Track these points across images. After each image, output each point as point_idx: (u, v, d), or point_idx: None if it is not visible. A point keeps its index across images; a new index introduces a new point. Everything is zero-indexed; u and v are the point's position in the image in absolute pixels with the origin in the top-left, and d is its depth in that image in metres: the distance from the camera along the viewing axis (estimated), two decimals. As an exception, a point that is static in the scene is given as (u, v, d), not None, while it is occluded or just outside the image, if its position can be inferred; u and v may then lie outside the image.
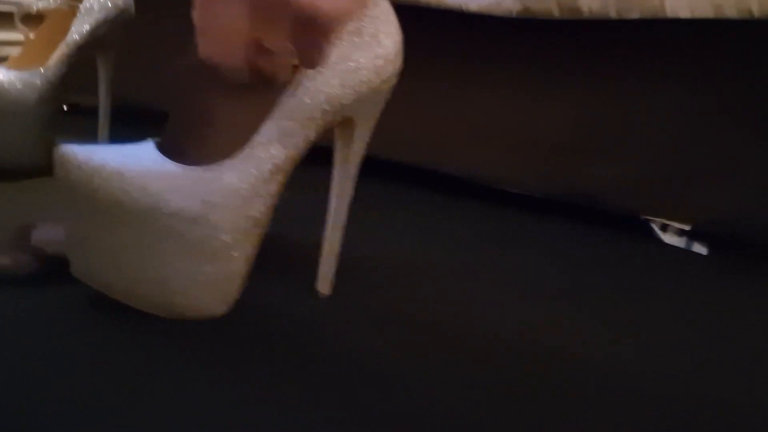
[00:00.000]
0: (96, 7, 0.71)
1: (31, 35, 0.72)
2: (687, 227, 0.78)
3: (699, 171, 0.77)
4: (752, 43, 0.71)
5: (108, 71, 0.77)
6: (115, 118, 0.80)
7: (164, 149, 0.40)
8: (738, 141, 0.75)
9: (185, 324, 0.40)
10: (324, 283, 0.48)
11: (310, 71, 0.39)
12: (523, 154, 0.83)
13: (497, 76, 0.83)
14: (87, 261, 0.40)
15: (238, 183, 0.39)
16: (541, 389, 0.40)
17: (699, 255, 0.77)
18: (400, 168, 0.87)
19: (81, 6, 0.71)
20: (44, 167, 0.69)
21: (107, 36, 0.73)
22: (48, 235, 0.46)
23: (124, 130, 0.80)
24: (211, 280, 0.39)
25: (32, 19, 0.72)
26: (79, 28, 0.70)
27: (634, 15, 0.67)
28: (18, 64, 0.69)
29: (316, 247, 0.47)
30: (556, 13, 0.70)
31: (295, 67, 0.34)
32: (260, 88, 0.38)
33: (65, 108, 0.99)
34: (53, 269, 0.43)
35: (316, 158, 0.44)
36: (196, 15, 0.31)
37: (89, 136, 0.78)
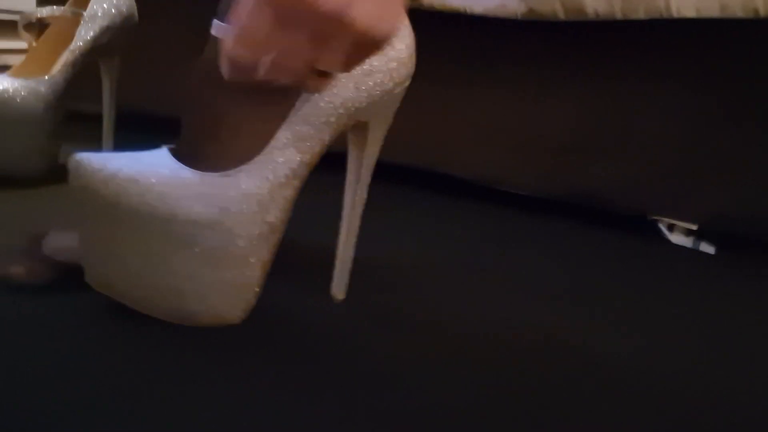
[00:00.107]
0: (100, 13, 0.71)
1: (35, 43, 0.71)
2: (694, 227, 0.78)
3: (704, 170, 0.77)
4: (755, 41, 0.72)
5: (112, 78, 0.77)
6: (119, 124, 0.80)
7: (179, 155, 0.39)
8: (742, 139, 0.75)
9: (198, 330, 0.40)
10: (339, 288, 0.48)
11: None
12: (528, 154, 0.83)
13: (500, 78, 0.83)
14: (102, 269, 0.40)
15: (254, 189, 0.38)
16: (550, 387, 0.40)
17: (707, 254, 0.78)
18: (403, 170, 0.87)
19: (85, 13, 0.70)
20: (50, 175, 0.68)
21: (111, 43, 0.73)
22: (59, 243, 0.45)
23: (129, 136, 0.80)
24: (228, 287, 0.39)
25: (35, 27, 0.72)
26: (84, 35, 0.70)
27: (640, 15, 0.67)
28: (22, 72, 0.69)
29: (327, 250, 0.47)
30: (561, 14, 0.70)
31: (321, 75, 0.34)
32: (276, 93, 0.37)
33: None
34: (66, 277, 0.43)
35: (324, 162, 0.43)
36: (246, 36, 0.30)
37: (94, 142, 0.78)
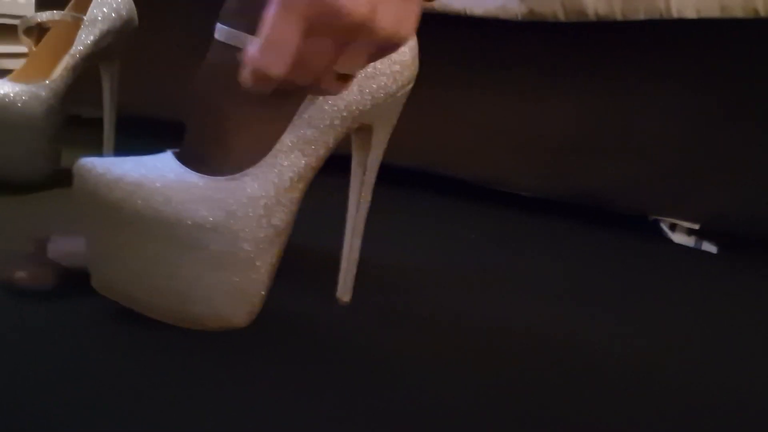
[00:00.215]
0: (100, 17, 0.71)
1: (35, 48, 0.71)
2: (696, 226, 0.78)
3: (705, 169, 0.77)
4: (755, 41, 0.72)
5: (112, 82, 0.77)
6: (119, 128, 0.80)
7: (184, 159, 0.39)
8: (742, 139, 0.75)
9: (203, 333, 0.40)
10: (344, 291, 0.47)
11: None
12: (529, 155, 0.83)
13: (500, 79, 0.83)
14: (108, 273, 0.40)
15: (260, 192, 0.38)
16: (550, 387, 0.40)
17: (708, 254, 0.78)
18: (404, 171, 0.87)
19: (85, 17, 0.70)
20: (51, 179, 0.68)
21: (112, 46, 0.73)
22: (63, 247, 0.45)
23: (129, 140, 0.80)
24: (234, 290, 0.39)
25: (35, 31, 0.72)
26: (84, 39, 0.70)
27: (640, 16, 0.67)
28: (23, 77, 0.69)
29: (332, 252, 0.47)
30: (561, 16, 0.70)
31: (340, 77, 0.34)
32: (281, 97, 0.37)
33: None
34: (70, 282, 0.43)
35: (329, 164, 0.44)
36: (273, 47, 0.30)
37: (95, 146, 0.77)
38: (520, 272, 0.63)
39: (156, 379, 0.35)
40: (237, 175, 0.38)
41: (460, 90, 0.84)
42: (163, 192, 0.37)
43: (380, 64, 0.42)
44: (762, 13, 0.64)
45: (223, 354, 0.39)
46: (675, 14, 0.66)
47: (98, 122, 0.79)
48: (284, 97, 0.39)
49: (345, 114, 0.41)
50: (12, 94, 0.64)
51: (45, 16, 0.69)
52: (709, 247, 0.78)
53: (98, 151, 0.78)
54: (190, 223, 0.37)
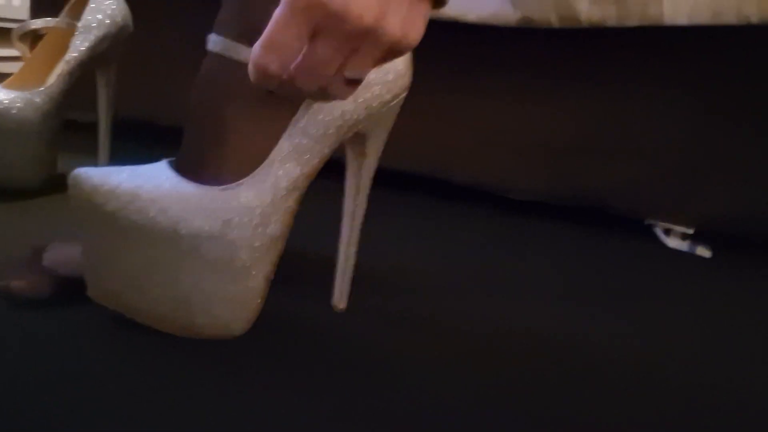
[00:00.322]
0: (95, 24, 0.71)
1: (29, 54, 0.71)
2: (690, 231, 0.78)
3: (701, 174, 0.77)
4: (752, 45, 0.72)
5: (108, 87, 0.77)
6: (115, 133, 0.80)
7: (180, 169, 0.40)
8: (740, 142, 0.76)
9: (200, 340, 0.40)
10: (340, 298, 0.48)
11: None
12: (526, 160, 0.83)
13: (499, 84, 0.83)
14: (104, 282, 0.40)
15: (255, 201, 0.39)
16: (550, 387, 0.41)
17: (703, 258, 0.78)
18: (404, 176, 0.87)
19: (80, 23, 0.70)
20: (48, 185, 0.68)
21: (107, 52, 0.73)
22: (60, 256, 0.45)
23: (125, 145, 0.80)
24: (231, 299, 0.39)
25: (30, 37, 0.72)
26: (79, 46, 0.70)
27: (633, 23, 0.68)
28: (18, 84, 0.69)
29: (328, 258, 0.48)
30: (555, 22, 0.70)
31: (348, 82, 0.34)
32: (277, 106, 0.38)
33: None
34: (68, 291, 0.43)
35: (325, 169, 0.44)
36: (275, 46, 0.30)
37: (90, 152, 0.78)
38: (516, 274, 0.63)
39: (155, 382, 0.36)
40: (232, 185, 0.38)
41: (459, 93, 0.85)
42: (158, 202, 0.37)
43: (374, 74, 0.42)
44: (754, 21, 0.64)
45: (222, 355, 0.39)
46: (667, 21, 0.66)
47: (95, 127, 0.79)
48: (279, 107, 0.39)
49: (340, 123, 0.41)
50: (7, 101, 0.64)
51: (39, 23, 0.70)
52: (703, 252, 0.79)
53: (94, 156, 0.78)
54: (185, 232, 0.37)
